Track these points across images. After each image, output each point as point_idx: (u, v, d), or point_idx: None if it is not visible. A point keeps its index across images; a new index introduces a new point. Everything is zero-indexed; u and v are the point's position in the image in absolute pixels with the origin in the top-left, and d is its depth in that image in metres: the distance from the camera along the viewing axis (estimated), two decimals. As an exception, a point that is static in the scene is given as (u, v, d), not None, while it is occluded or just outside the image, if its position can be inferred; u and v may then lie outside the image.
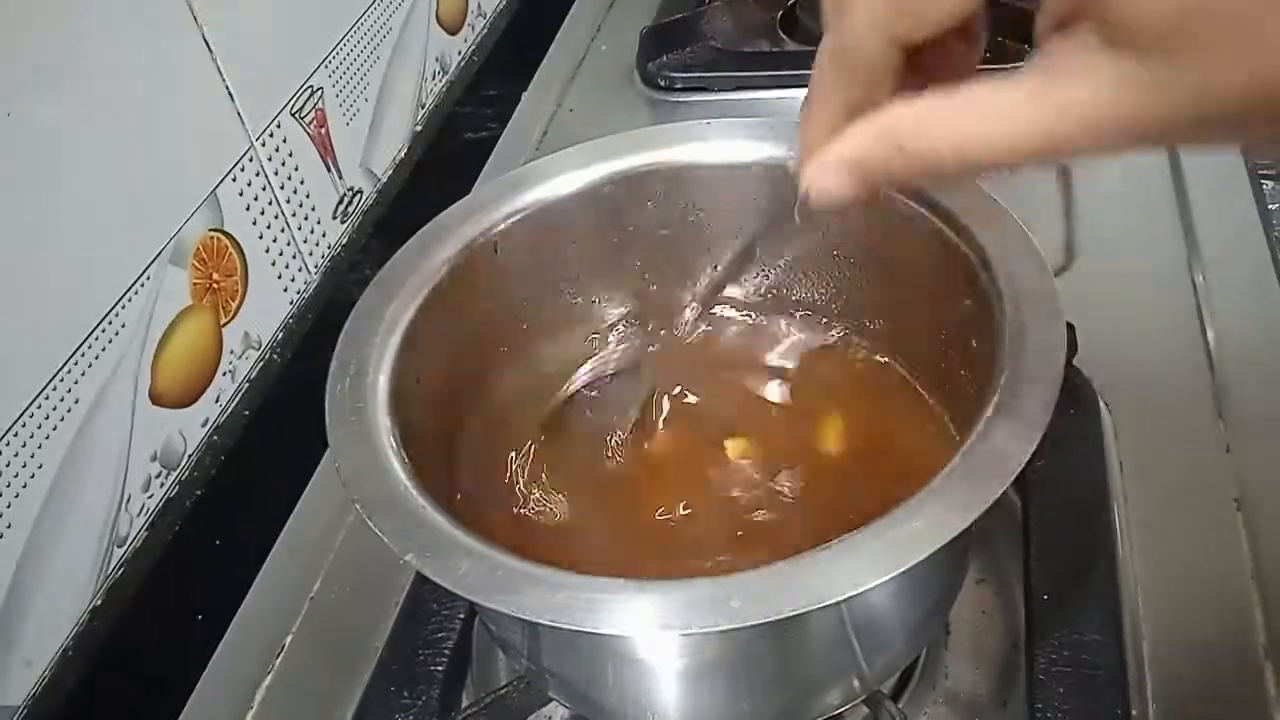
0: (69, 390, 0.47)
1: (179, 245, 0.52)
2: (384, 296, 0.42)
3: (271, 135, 0.59)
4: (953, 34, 0.27)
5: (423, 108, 0.75)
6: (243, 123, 0.57)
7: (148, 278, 0.51)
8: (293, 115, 0.61)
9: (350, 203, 0.67)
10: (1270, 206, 0.63)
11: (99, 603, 0.49)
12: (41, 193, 0.45)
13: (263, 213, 0.59)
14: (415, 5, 0.73)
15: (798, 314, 0.50)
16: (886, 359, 0.47)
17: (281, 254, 0.60)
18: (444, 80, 0.78)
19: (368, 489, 0.35)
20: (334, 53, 0.64)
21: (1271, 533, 0.47)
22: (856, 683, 0.39)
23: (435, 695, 0.44)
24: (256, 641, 0.51)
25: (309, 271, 0.63)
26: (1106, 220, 0.63)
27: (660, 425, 0.48)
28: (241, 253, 0.57)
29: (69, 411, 0.47)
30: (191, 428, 0.54)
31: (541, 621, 0.31)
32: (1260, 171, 0.66)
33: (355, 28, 0.66)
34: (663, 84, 0.80)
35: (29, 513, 0.45)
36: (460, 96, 0.79)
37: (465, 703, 0.46)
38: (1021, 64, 0.25)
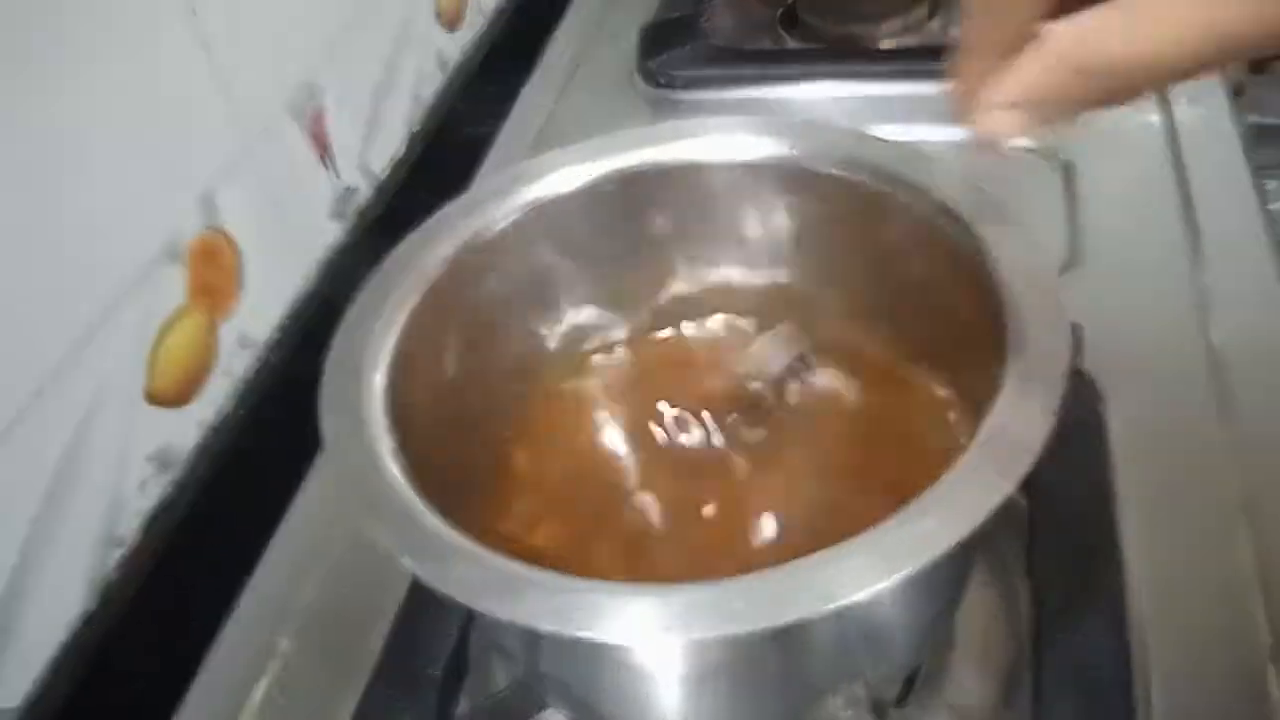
0: (64, 391, 0.46)
1: (175, 244, 0.52)
2: (380, 295, 0.41)
3: (268, 133, 0.59)
4: None
5: (421, 106, 0.75)
6: (239, 121, 0.57)
7: (143, 277, 0.50)
8: (289, 113, 0.61)
9: (347, 201, 0.67)
10: (1273, 206, 0.62)
11: (95, 604, 0.49)
12: (37, 192, 0.45)
13: (259, 211, 0.58)
14: (414, 2, 0.73)
15: (797, 314, 0.49)
16: (889, 360, 0.47)
17: (278, 253, 0.60)
18: (442, 78, 0.78)
19: (363, 490, 0.35)
20: (331, 51, 0.64)
21: (1276, 534, 0.47)
22: (860, 688, 0.38)
23: (432, 700, 0.44)
24: (253, 644, 0.51)
25: (306, 270, 0.63)
26: (1109, 220, 0.63)
27: (658, 425, 0.47)
28: (238, 251, 0.57)
29: (65, 412, 0.46)
30: (188, 427, 0.54)
31: (539, 627, 0.30)
32: (1262, 171, 0.65)
33: (353, 25, 0.66)
34: (662, 82, 0.79)
35: (24, 514, 0.45)
36: (459, 94, 0.78)
37: (462, 707, 0.46)
38: None
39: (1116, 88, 0.26)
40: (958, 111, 0.29)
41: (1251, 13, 0.23)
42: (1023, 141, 0.29)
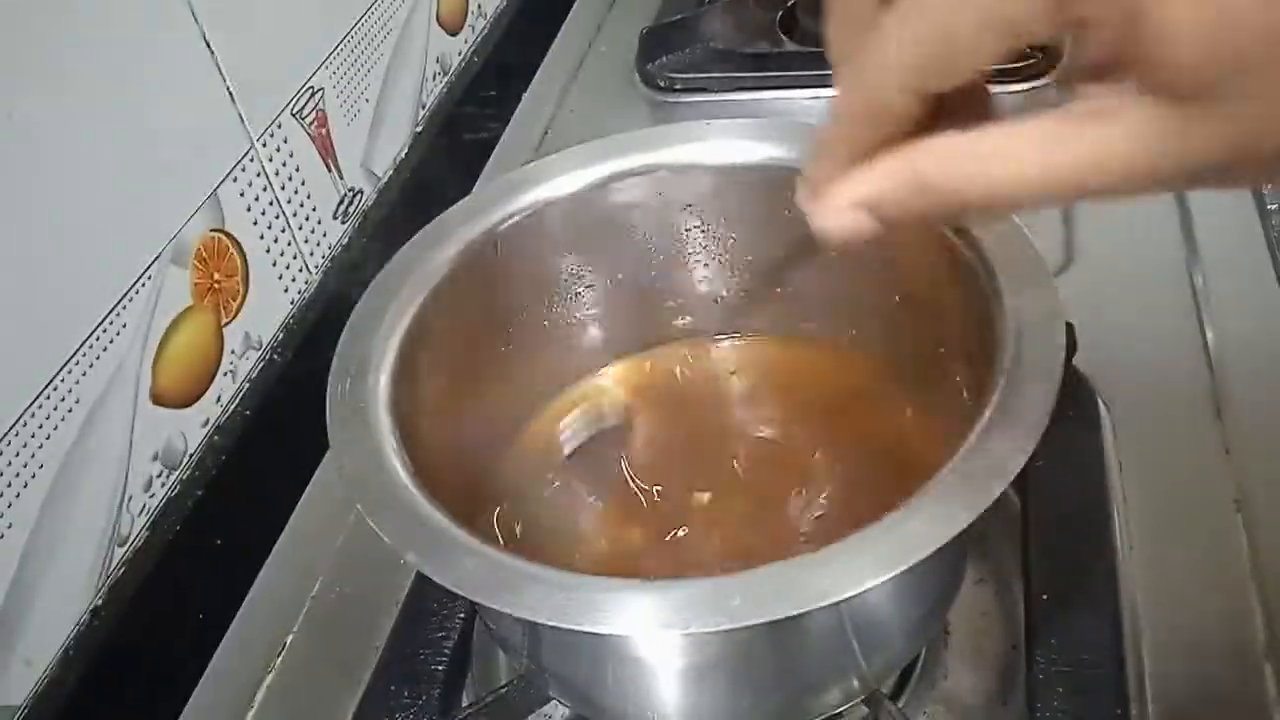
0: (70, 390, 0.47)
1: (180, 245, 0.53)
2: (385, 297, 0.42)
3: (272, 135, 0.59)
4: (965, 100, 0.27)
5: (423, 108, 0.75)
6: (243, 123, 0.57)
7: (149, 278, 0.51)
8: (293, 115, 0.61)
9: (351, 203, 0.67)
10: (1271, 207, 0.62)
11: (100, 602, 0.49)
12: (42, 193, 0.45)
13: (264, 213, 0.59)
14: (416, 6, 0.73)
15: (795, 314, 0.50)
16: (886, 360, 0.47)
17: (282, 254, 0.61)
18: (444, 81, 0.78)
19: (368, 489, 0.35)
20: (335, 53, 0.64)
21: (1271, 533, 0.47)
22: (856, 682, 0.39)
23: (436, 695, 0.44)
24: (257, 641, 0.51)
25: (310, 272, 0.63)
26: (1106, 220, 0.63)
27: (658, 426, 0.48)
28: (242, 253, 0.57)
29: (70, 411, 0.47)
30: (192, 428, 0.54)
31: (542, 621, 0.31)
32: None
33: (356, 28, 0.66)
34: (662, 85, 0.80)
35: (30, 512, 0.45)
36: (461, 97, 0.79)
37: (466, 702, 0.46)
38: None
39: (960, 209, 0.26)
40: (803, 202, 0.29)
41: (1124, 163, 0.23)
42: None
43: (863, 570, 0.30)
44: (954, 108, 0.26)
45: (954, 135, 0.26)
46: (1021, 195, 0.25)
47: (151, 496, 0.52)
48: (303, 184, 0.62)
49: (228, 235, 0.56)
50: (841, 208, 0.28)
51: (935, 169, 0.26)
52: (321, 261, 0.64)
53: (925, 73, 0.25)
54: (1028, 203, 0.25)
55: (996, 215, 0.27)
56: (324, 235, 0.65)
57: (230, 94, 0.56)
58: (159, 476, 0.52)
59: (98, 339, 0.48)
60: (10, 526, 0.44)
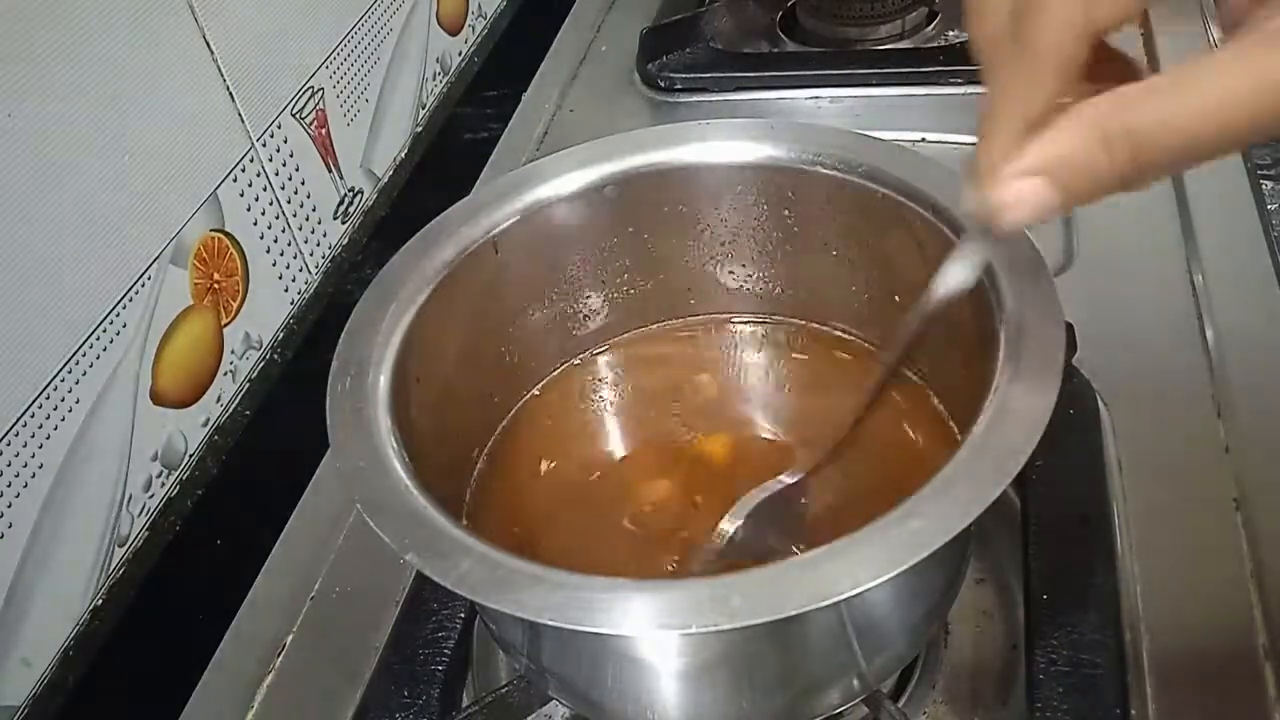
0: (70, 390, 0.47)
1: (180, 245, 0.53)
2: (385, 296, 0.42)
3: (272, 135, 0.59)
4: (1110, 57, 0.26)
5: (423, 108, 0.75)
6: (243, 123, 0.57)
7: (148, 278, 0.51)
8: (293, 115, 0.61)
9: (351, 203, 0.67)
10: (1270, 206, 0.62)
11: (100, 602, 0.49)
12: (42, 193, 0.45)
13: (263, 213, 0.59)
14: (416, 6, 0.73)
15: (795, 313, 0.50)
16: (886, 359, 0.47)
17: (282, 254, 0.61)
18: (444, 81, 0.78)
19: (368, 489, 0.35)
20: (334, 53, 0.64)
21: (1271, 533, 0.47)
22: (856, 682, 0.39)
23: (436, 694, 0.45)
24: (256, 641, 0.51)
25: (310, 271, 0.63)
26: (1106, 220, 0.63)
27: (655, 426, 0.48)
28: (242, 253, 0.57)
29: (70, 411, 0.47)
30: (192, 427, 0.54)
31: (541, 621, 0.31)
32: (1260, 171, 0.66)
33: (356, 28, 0.66)
34: (663, 85, 0.80)
35: (30, 512, 0.45)
36: (460, 97, 0.79)
37: (466, 702, 0.46)
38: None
39: (1145, 164, 0.25)
40: (975, 182, 0.27)
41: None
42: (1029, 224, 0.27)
43: (863, 570, 0.30)
44: (1106, 82, 0.25)
45: (1138, 82, 0.25)
46: (1209, 134, 0.24)
47: (151, 496, 0.52)
48: (303, 184, 0.62)
49: (227, 235, 0.56)
50: (1021, 177, 0.26)
51: (1122, 117, 0.25)
52: (321, 261, 0.64)
53: (1094, 4, 0.25)
54: (1213, 146, 0.24)
55: (1188, 166, 0.26)
56: (324, 235, 0.65)
57: (230, 93, 0.56)
58: (159, 476, 0.52)
59: (98, 339, 0.48)
60: (10, 526, 0.44)
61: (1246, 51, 0.24)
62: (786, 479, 0.40)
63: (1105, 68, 0.26)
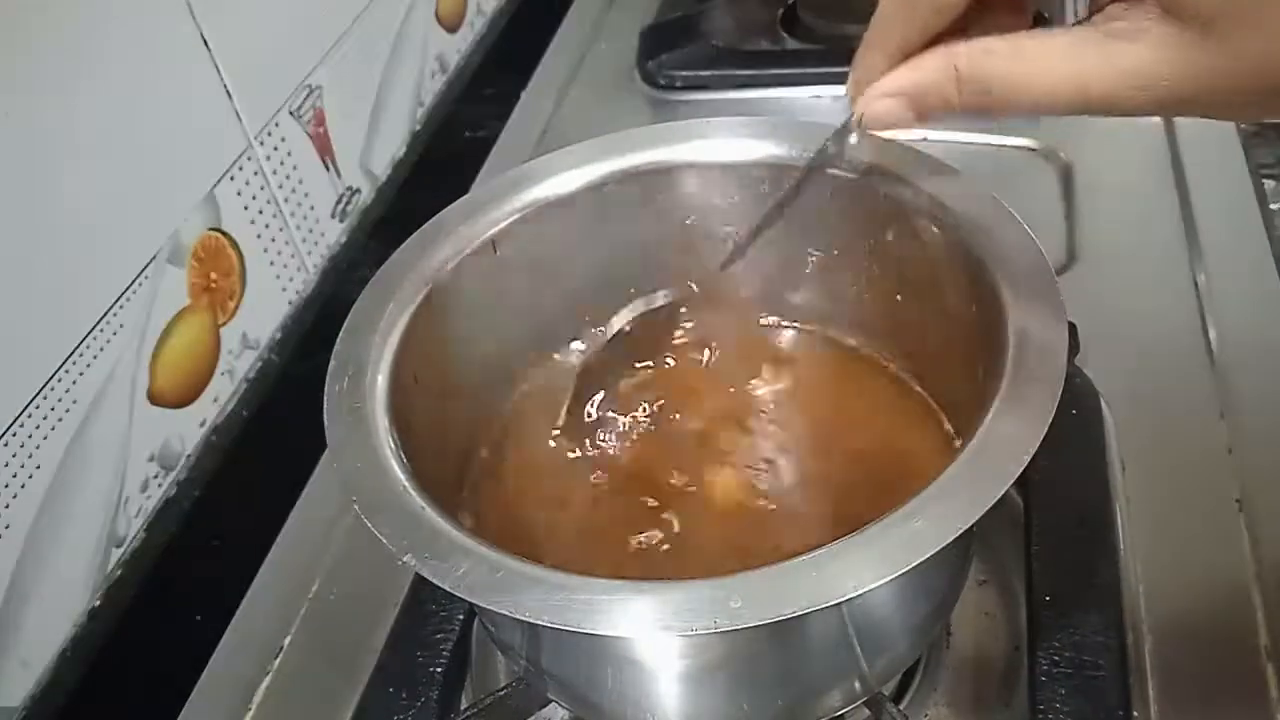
0: (67, 390, 0.47)
1: (177, 245, 0.52)
2: (383, 296, 0.42)
3: (270, 134, 0.59)
4: (1003, 2, 0.30)
5: (422, 107, 0.75)
6: (241, 121, 0.57)
7: (145, 277, 0.51)
8: (291, 114, 0.61)
9: (349, 202, 0.67)
10: (1271, 206, 0.62)
11: (97, 604, 0.49)
12: (39, 192, 0.45)
13: (261, 212, 0.59)
14: (415, 4, 0.73)
15: (796, 313, 0.49)
16: (887, 359, 0.47)
17: (280, 253, 0.60)
18: (443, 79, 0.78)
19: (366, 489, 0.35)
20: (333, 51, 0.64)
21: (1273, 533, 0.47)
22: (857, 684, 0.39)
23: (434, 696, 0.44)
24: (255, 642, 0.51)
25: (307, 271, 0.63)
26: (1108, 220, 0.63)
27: (654, 427, 0.48)
28: (239, 252, 0.57)
29: (67, 412, 0.47)
30: (189, 428, 0.54)
31: (540, 623, 0.31)
32: (1262, 171, 0.66)
33: (354, 26, 0.66)
34: (663, 83, 0.80)
35: (27, 513, 0.45)
36: (459, 95, 0.79)
37: (464, 704, 0.46)
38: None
39: (992, 104, 0.30)
40: (850, 95, 0.33)
41: (1135, 80, 0.26)
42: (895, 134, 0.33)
43: (865, 571, 0.30)
44: (992, 15, 0.30)
45: (992, 38, 0.29)
46: (1045, 99, 0.28)
47: (148, 497, 0.52)
48: (300, 183, 0.62)
49: (225, 234, 0.56)
50: (883, 93, 0.32)
51: (972, 65, 0.29)
52: (319, 261, 0.64)
53: None
54: (1049, 107, 0.29)
55: (1021, 114, 0.31)
56: (322, 234, 0.64)
57: (228, 92, 0.56)
58: (156, 477, 0.52)
59: (94, 339, 0.48)
60: (7, 528, 0.44)
61: (1076, 46, 0.28)
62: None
63: (1000, 18, 0.31)
